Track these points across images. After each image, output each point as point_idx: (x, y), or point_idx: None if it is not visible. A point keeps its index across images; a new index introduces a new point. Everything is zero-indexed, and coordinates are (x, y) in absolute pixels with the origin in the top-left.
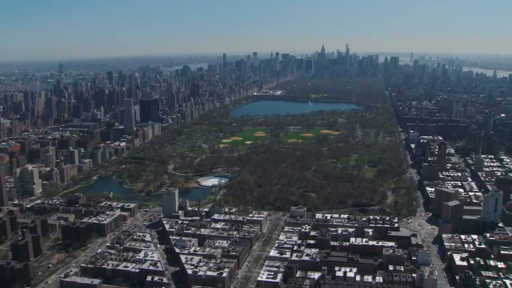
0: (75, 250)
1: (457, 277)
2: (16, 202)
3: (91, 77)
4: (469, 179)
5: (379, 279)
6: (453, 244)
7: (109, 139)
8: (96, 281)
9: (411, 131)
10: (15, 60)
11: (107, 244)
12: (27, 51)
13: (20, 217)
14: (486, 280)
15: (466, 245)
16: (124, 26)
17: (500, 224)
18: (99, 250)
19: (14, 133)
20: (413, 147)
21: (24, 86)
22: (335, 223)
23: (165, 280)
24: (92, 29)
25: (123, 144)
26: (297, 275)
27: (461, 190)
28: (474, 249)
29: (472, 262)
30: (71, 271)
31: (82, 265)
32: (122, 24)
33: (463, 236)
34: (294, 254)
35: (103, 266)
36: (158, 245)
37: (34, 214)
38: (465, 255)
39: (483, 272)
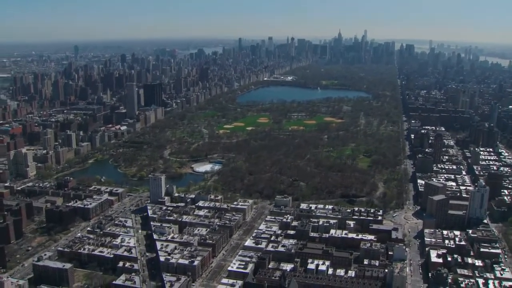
0: (57, 233)
1: (430, 274)
2: (7, 184)
3: (106, 59)
4: (464, 173)
5: (351, 273)
6: (433, 240)
7: (112, 123)
8: (68, 265)
9: (413, 121)
10: (34, 42)
11: (88, 228)
12: (46, 33)
13: (9, 199)
14: (459, 279)
15: (446, 241)
16: (144, 8)
17: (485, 221)
18: (79, 234)
19: (19, 115)
20: (413, 137)
21: (38, 67)
22: (318, 214)
23: (136, 266)
24: (111, 10)
25: (123, 128)
26: (269, 266)
27: (453, 183)
28: (453, 246)
29: (449, 259)
30: (45, 254)
31: (59, 249)
32: (142, 6)
33: (445, 232)
34: (270, 245)
35: (79, 251)
36: (140, 231)
37: (24, 197)
38: (442, 251)
39: (458, 270)
